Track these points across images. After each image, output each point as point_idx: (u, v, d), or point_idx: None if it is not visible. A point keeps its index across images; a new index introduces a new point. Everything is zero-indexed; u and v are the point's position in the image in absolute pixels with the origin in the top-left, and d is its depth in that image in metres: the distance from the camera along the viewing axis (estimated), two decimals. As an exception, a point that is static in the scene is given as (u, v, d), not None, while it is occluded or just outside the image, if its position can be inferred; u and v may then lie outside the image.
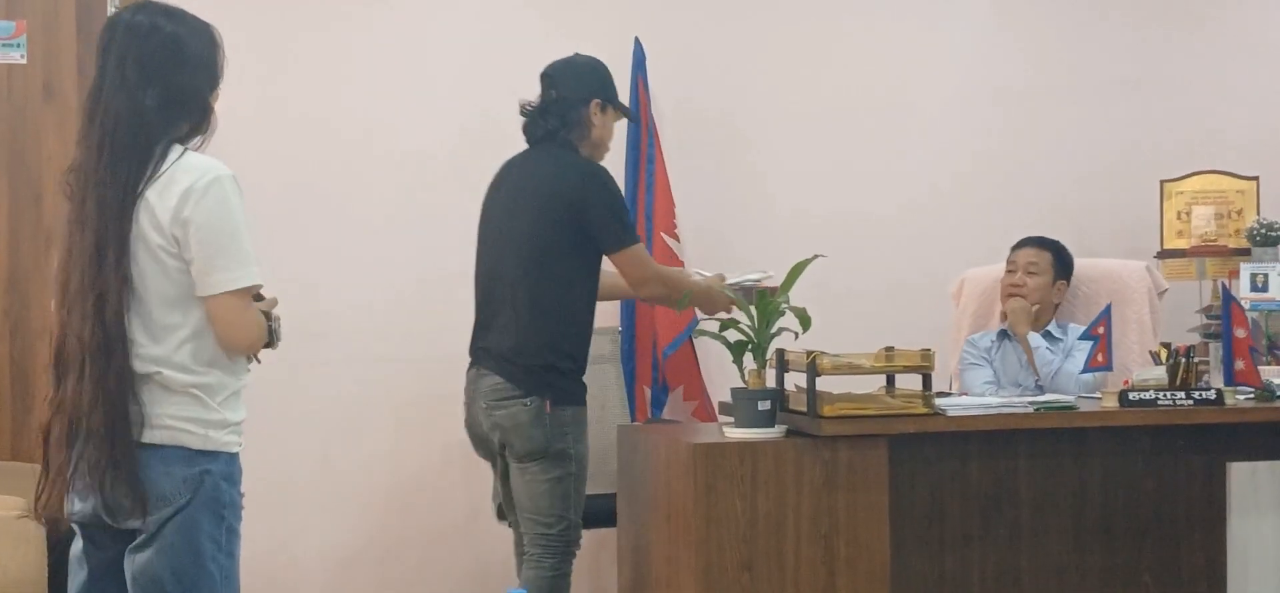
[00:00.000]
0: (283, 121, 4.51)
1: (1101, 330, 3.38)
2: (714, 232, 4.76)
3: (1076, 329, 4.05)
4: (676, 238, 4.65)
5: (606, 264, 3.61)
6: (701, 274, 3.81)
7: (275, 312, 2.42)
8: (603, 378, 4.44)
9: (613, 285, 3.68)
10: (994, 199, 4.90)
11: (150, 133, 2.29)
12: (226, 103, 4.59)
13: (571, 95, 3.59)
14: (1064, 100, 4.99)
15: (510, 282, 3.53)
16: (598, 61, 3.71)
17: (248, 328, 2.31)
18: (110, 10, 4.38)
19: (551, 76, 3.67)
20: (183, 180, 2.26)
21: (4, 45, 4.34)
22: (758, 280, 3.55)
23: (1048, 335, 4.13)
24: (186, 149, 2.32)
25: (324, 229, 4.56)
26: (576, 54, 3.76)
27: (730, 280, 3.61)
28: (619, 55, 4.59)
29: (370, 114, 4.57)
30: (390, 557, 4.57)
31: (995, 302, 4.33)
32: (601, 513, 3.91)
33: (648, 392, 4.63)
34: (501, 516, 4.25)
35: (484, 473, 4.46)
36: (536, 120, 3.62)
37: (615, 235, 3.48)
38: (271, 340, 2.41)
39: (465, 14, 4.66)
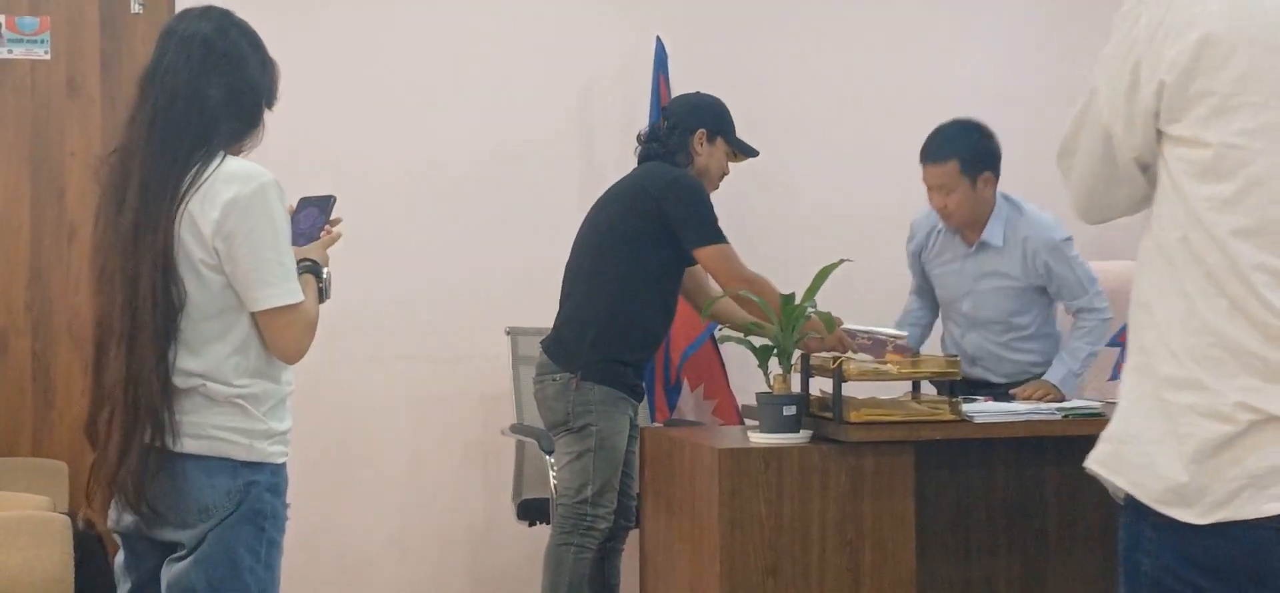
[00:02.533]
0: (305, 121, 4.50)
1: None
2: (736, 230, 4.73)
3: (1021, 223, 3.71)
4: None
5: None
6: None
7: (326, 271, 2.37)
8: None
9: (729, 310, 3.67)
10: (1027, 197, 4.79)
11: (208, 120, 2.20)
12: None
13: (678, 124, 3.71)
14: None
15: (580, 267, 3.65)
16: (714, 99, 3.81)
17: (298, 337, 2.25)
18: (135, 8, 4.38)
19: (666, 109, 3.85)
20: (225, 190, 2.17)
21: (28, 41, 4.34)
22: (891, 336, 3.54)
23: (982, 246, 3.75)
24: (227, 155, 2.23)
25: (344, 228, 4.54)
26: (698, 91, 3.89)
27: (853, 326, 3.59)
28: (641, 55, 4.59)
29: (393, 113, 4.56)
30: (410, 556, 4.57)
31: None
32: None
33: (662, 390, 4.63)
34: (522, 515, 4.25)
35: (504, 474, 4.46)
36: (646, 145, 3.75)
37: (697, 231, 3.54)
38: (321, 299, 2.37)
39: (486, 15, 4.65)
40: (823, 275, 3.23)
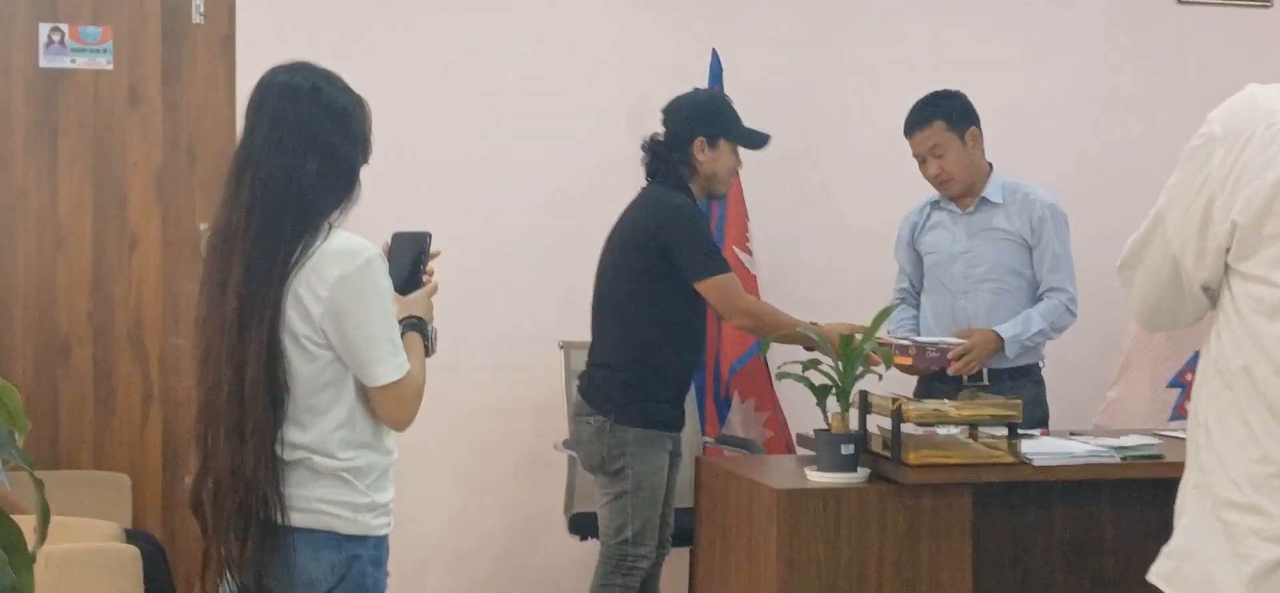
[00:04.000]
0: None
1: (1189, 378, 3.33)
2: (787, 247, 4.74)
3: (1021, 187, 3.74)
4: (749, 251, 4.63)
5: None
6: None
7: (433, 326, 2.38)
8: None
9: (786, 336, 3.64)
10: (1098, 212, 4.52)
11: (307, 200, 2.19)
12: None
13: (676, 135, 3.65)
14: (1176, 112, 4.81)
15: (604, 308, 3.66)
16: (709, 96, 3.76)
17: (407, 406, 2.26)
18: (196, 19, 4.41)
19: (664, 114, 3.73)
20: (332, 269, 2.17)
21: (91, 51, 4.38)
22: (950, 344, 3.59)
23: (985, 202, 3.76)
24: (332, 228, 2.23)
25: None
26: (694, 89, 3.82)
27: (922, 339, 3.62)
28: (696, 68, 4.57)
29: (438, 125, 4.56)
30: (460, 564, 4.61)
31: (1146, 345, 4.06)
32: (677, 530, 3.87)
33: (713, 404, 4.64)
34: (574, 529, 4.29)
35: (555, 482, 4.49)
36: (651, 159, 3.70)
37: (696, 265, 3.53)
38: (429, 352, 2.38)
39: (539, 29, 4.65)
40: (883, 316, 3.23)
